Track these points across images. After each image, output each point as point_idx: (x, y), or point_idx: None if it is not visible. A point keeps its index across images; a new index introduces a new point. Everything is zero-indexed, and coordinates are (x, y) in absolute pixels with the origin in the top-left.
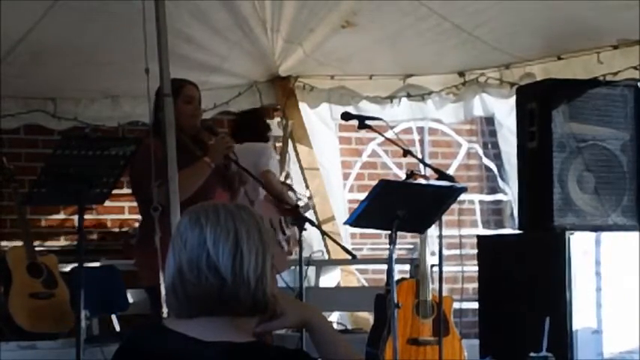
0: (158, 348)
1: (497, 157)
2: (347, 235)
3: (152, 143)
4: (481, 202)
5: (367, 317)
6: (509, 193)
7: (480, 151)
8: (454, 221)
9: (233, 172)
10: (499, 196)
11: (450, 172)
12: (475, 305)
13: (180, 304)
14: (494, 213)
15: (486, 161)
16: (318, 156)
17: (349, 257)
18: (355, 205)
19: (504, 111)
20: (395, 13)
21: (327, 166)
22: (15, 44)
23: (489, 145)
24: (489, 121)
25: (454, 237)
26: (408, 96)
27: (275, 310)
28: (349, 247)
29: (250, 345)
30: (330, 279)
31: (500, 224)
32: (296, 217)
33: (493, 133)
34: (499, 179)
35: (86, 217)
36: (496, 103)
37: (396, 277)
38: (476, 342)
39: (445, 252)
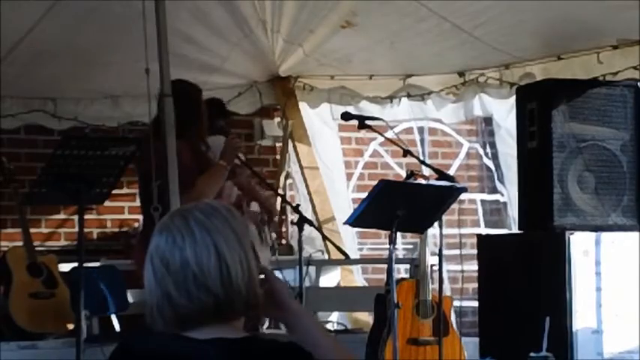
0: (153, 348)
1: (495, 158)
2: (354, 234)
3: (152, 142)
4: (483, 201)
5: (367, 317)
6: (506, 194)
7: (481, 151)
8: (454, 221)
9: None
10: (497, 197)
11: (451, 171)
12: (475, 305)
13: (166, 324)
14: (495, 213)
15: (486, 161)
16: (321, 156)
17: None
18: None
19: (503, 112)
20: (395, 14)
21: (330, 166)
22: (15, 44)
23: (487, 146)
24: (488, 121)
25: (454, 237)
26: (408, 96)
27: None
28: (355, 246)
29: (245, 340)
30: (330, 279)
31: (500, 224)
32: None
33: (492, 134)
34: (496, 180)
35: (86, 217)
36: (495, 103)
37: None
38: (476, 340)
39: (445, 252)
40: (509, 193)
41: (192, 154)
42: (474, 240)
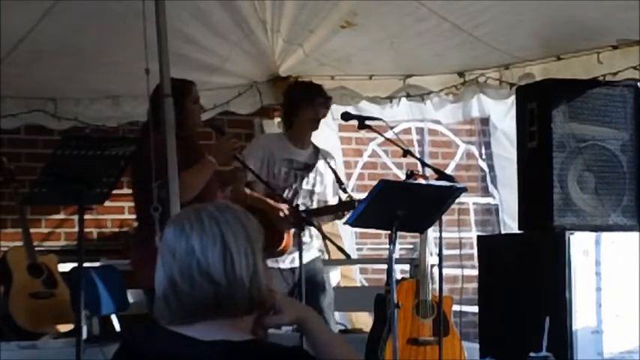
0: (157, 349)
1: (490, 159)
2: (353, 234)
3: (152, 140)
4: (475, 203)
5: (367, 317)
6: (497, 197)
7: (476, 153)
8: (454, 221)
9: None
10: (489, 199)
11: (448, 172)
12: (475, 306)
13: (172, 314)
14: (487, 215)
15: (481, 163)
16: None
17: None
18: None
19: (500, 113)
20: (395, 14)
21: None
22: (15, 44)
23: (483, 147)
24: (485, 121)
25: (454, 237)
26: (408, 96)
27: (273, 304)
28: (354, 246)
29: (249, 343)
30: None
31: (491, 227)
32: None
33: (489, 134)
34: (489, 183)
35: (86, 217)
36: (492, 105)
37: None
38: (476, 345)
39: (445, 252)
40: (501, 196)
41: (182, 149)
42: (473, 240)
